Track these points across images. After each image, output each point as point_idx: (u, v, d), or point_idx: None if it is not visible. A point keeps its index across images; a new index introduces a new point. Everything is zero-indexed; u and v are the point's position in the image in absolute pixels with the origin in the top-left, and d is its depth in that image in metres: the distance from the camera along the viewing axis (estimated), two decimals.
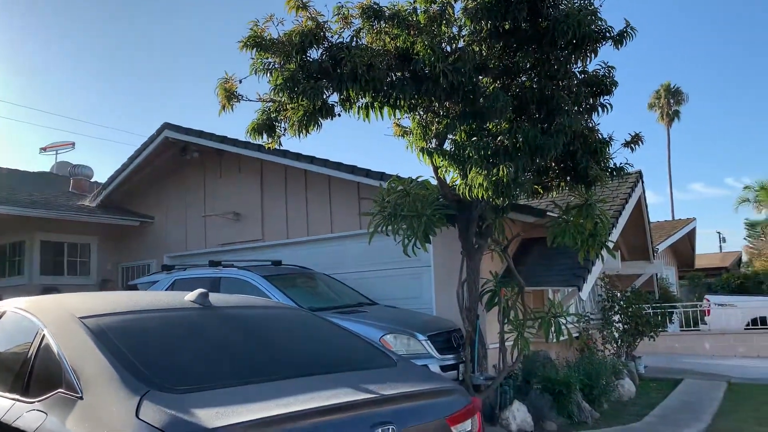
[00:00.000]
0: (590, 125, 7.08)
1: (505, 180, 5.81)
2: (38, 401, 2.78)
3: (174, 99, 68.42)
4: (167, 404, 2.34)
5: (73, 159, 18.90)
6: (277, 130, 6.91)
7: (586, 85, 6.92)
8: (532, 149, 6.21)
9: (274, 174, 10.62)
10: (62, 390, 2.69)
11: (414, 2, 6.57)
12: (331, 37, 6.53)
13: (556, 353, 9.23)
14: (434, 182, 7.07)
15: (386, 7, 6.40)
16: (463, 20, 6.41)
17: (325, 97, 6.44)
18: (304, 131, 6.66)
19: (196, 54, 62.13)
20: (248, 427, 2.26)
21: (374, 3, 6.39)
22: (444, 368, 6.81)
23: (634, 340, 11.30)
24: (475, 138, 6.46)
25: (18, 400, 2.92)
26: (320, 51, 6.45)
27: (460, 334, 7.33)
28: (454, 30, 6.65)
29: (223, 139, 10.66)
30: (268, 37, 6.44)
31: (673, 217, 32.53)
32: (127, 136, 69.81)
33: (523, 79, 6.93)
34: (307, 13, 6.44)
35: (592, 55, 6.64)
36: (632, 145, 7.20)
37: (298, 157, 9.76)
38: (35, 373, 2.98)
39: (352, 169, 9.14)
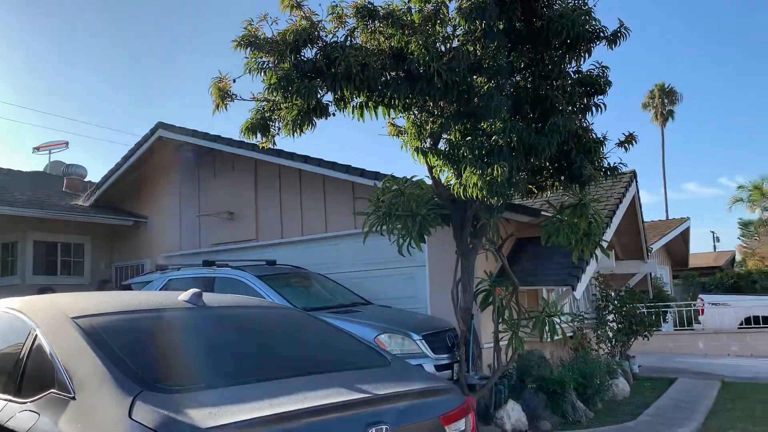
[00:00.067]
0: (584, 125, 7.10)
1: (499, 179, 5.83)
2: (31, 401, 2.76)
3: (169, 98, 68.29)
4: (160, 404, 2.34)
5: (66, 158, 18.79)
6: (271, 129, 6.90)
7: (580, 85, 6.94)
8: (527, 149, 6.23)
9: (269, 173, 10.61)
10: (55, 390, 2.67)
11: (408, 2, 6.57)
12: (326, 36, 6.53)
13: (550, 352, 9.25)
14: (429, 182, 7.08)
15: (380, 6, 6.40)
16: (457, 20, 6.42)
17: (319, 96, 6.45)
18: (298, 131, 6.65)
19: (191, 53, 62.03)
20: (241, 428, 2.25)
21: (368, 2, 6.39)
22: (438, 368, 6.81)
23: (628, 340, 11.35)
24: (469, 137, 6.47)
25: (10, 401, 2.91)
26: (314, 50, 6.45)
27: (455, 333, 7.33)
28: (449, 29, 6.65)
29: (217, 139, 10.64)
30: (262, 37, 6.43)
31: (667, 216, 32.74)
32: (121, 136, 69.59)
33: (518, 78, 6.95)
34: (302, 13, 6.45)
35: (586, 55, 6.67)
36: (626, 144, 7.22)
37: (292, 156, 9.76)
38: (28, 374, 2.97)
39: (347, 169, 9.15)
